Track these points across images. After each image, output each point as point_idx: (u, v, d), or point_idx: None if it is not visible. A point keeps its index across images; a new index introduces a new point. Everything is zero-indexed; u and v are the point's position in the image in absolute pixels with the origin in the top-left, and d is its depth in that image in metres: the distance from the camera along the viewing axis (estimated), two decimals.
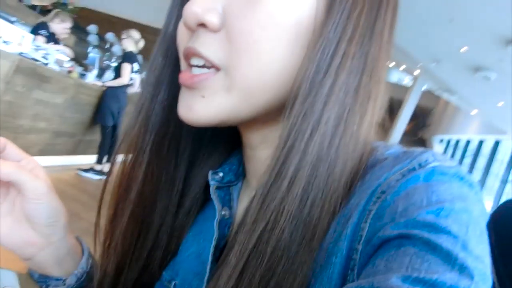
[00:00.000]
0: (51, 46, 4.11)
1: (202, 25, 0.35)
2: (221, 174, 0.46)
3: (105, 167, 4.77)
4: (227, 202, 0.45)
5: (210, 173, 0.46)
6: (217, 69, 0.35)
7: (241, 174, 0.48)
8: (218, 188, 0.45)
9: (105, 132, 4.62)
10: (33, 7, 10.53)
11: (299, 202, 0.31)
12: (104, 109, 4.55)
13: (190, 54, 0.36)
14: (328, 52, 0.32)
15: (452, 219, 0.27)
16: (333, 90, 0.32)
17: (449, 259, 0.25)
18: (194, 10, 0.34)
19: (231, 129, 0.43)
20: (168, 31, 0.43)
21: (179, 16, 0.42)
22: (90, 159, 4.84)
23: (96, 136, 4.75)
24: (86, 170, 4.57)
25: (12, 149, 0.42)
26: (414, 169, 0.31)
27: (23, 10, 7.23)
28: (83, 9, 9.70)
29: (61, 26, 4.53)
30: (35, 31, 4.12)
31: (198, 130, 0.43)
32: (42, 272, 0.46)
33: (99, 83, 4.74)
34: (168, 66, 0.43)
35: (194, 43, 0.35)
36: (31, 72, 3.56)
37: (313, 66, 0.32)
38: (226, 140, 0.50)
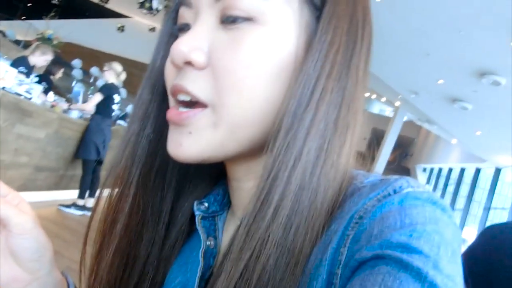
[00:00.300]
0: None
1: (189, 63, 0.37)
2: (206, 204, 0.47)
3: (88, 202, 4.66)
4: (212, 232, 0.45)
5: (195, 203, 0.47)
6: (204, 106, 0.37)
7: (226, 204, 0.49)
8: (203, 218, 0.46)
9: (87, 166, 4.54)
10: (17, 42, 10.58)
11: (284, 230, 0.32)
12: (87, 142, 4.50)
13: (178, 90, 0.38)
14: (309, 87, 0.34)
15: (424, 240, 0.28)
16: (313, 123, 0.34)
17: (420, 277, 0.26)
18: (181, 49, 0.36)
19: (216, 162, 0.44)
20: (155, 67, 0.45)
21: (165, 53, 0.44)
22: (72, 194, 4.74)
23: (78, 170, 4.67)
24: (68, 206, 4.46)
25: None
26: (389, 194, 0.32)
27: (7, 45, 7.25)
28: (68, 44, 9.77)
29: (42, 58, 4.54)
30: (14, 65, 4.11)
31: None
32: None
33: (80, 118, 4.71)
34: (155, 100, 0.45)
35: (181, 80, 0.37)
36: (13, 106, 3.53)
37: (295, 101, 0.34)
38: (211, 171, 0.51)
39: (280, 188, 0.33)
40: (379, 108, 20.87)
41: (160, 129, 0.45)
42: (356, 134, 0.38)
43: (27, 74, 4.20)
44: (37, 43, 4.85)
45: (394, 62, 6.87)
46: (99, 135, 4.52)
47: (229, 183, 0.46)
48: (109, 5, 13.01)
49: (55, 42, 7.67)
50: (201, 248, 0.44)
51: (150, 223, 0.47)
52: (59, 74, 5.36)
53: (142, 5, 8.53)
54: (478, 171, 13.63)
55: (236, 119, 0.36)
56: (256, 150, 0.39)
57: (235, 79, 0.35)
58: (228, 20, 0.36)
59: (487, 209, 12.23)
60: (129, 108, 7.31)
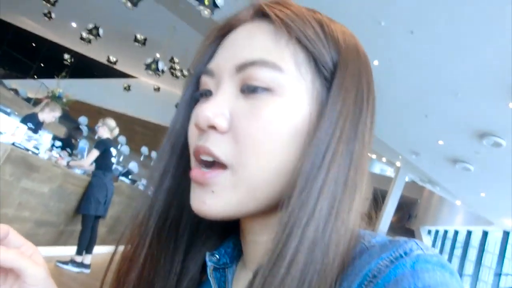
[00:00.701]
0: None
1: (212, 127, 0.40)
2: (217, 256, 0.49)
3: (85, 259, 4.54)
4: (223, 284, 0.47)
5: (207, 254, 0.49)
6: (224, 167, 0.40)
7: (235, 257, 0.51)
8: (214, 269, 0.48)
9: (87, 221, 4.49)
10: (28, 100, 10.94)
11: (297, 283, 0.34)
12: (89, 197, 4.49)
13: (201, 152, 0.41)
14: (321, 150, 0.38)
15: None
16: (325, 183, 0.37)
17: None
18: (206, 114, 0.40)
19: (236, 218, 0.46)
20: (175, 127, 0.49)
21: (186, 115, 0.48)
22: (70, 250, 4.63)
23: (78, 226, 4.60)
24: (65, 262, 4.34)
25: (13, 235, 0.44)
26: (401, 256, 0.34)
27: (19, 103, 7.50)
28: (75, 102, 10.10)
29: (51, 115, 4.77)
30: (23, 121, 4.25)
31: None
32: None
33: (84, 173, 4.74)
34: (174, 158, 0.48)
35: (205, 142, 0.41)
36: (21, 161, 3.58)
37: (308, 163, 0.38)
38: (223, 224, 0.52)
39: (294, 243, 0.35)
40: (380, 168, 20.92)
41: (177, 184, 0.48)
42: (362, 193, 0.41)
43: (35, 130, 4.31)
44: (47, 100, 5.05)
45: (394, 123, 7.00)
46: (101, 190, 4.52)
47: (243, 236, 0.48)
48: (117, 66, 13.60)
49: (64, 100, 7.94)
50: None
51: (162, 273, 0.49)
52: (81, 138, 5.57)
53: (148, 67, 8.92)
54: (485, 234, 13.30)
55: (255, 180, 0.40)
56: (272, 206, 0.42)
57: (255, 143, 0.39)
58: (248, 90, 0.41)
59: (498, 274, 11.76)
60: (131, 165, 7.35)
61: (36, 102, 10.56)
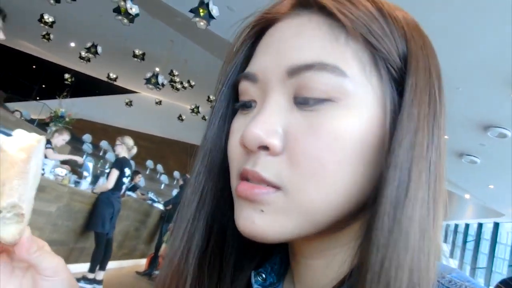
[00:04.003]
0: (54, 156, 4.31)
1: (264, 147, 0.34)
2: (263, 276, 0.43)
3: (98, 275, 4.54)
4: None
5: (252, 274, 0.43)
6: (277, 188, 0.34)
7: (282, 274, 0.45)
8: None
9: (101, 238, 4.50)
10: (31, 121, 11.02)
11: None
12: (97, 215, 4.49)
13: (250, 177, 0.35)
14: (404, 170, 0.31)
15: None
16: (415, 208, 0.31)
17: None
18: (256, 133, 0.33)
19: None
20: (210, 147, 0.42)
21: (221, 131, 0.42)
22: (81, 268, 4.63)
23: (87, 243, 4.60)
24: (77, 280, 4.32)
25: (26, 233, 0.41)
26: None
27: (23, 125, 7.55)
28: (79, 120, 10.17)
29: (60, 138, 4.99)
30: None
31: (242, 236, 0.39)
32: None
33: (90, 190, 4.76)
34: (212, 179, 0.42)
35: (255, 167, 0.34)
36: None
37: (393, 186, 0.31)
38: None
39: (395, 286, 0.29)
40: None
41: (215, 206, 0.42)
42: (443, 213, 0.34)
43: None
44: (56, 128, 5.27)
45: None
46: (109, 207, 4.53)
47: (292, 256, 0.43)
48: (117, 82, 13.70)
49: (67, 119, 7.99)
50: None
51: None
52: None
53: (148, 81, 8.96)
54: (496, 225, 13.17)
55: (316, 205, 0.33)
56: (332, 230, 0.36)
57: (317, 165, 0.32)
58: (305, 102, 0.33)
59: None
60: (137, 179, 7.36)
61: (40, 123, 10.65)
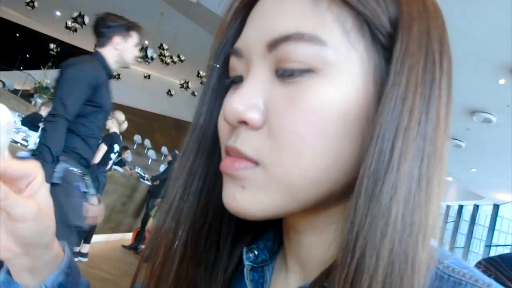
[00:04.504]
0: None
1: (243, 122, 0.33)
2: (256, 252, 0.43)
3: (83, 248, 4.58)
4: (260, 286, 0.41)
5: (244, 250, 0.42)
6: (256, 163, 0.33)
7: (275, 251, 0.44)
8: (252, 269, 0.42)
9: None
10: (15, 92, 10.76)
11: None
12: None
13: (232, 154, 0.34)
14: (387, 143, 0.29)
15: None
16: (397, 185, 0.29)
17: None
18: (235, 107, 0.33)
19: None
20: (200, 122, 0.41)
21: (213, 107, 0.41)
22: None
23: None
24: None
25: (11, 168, 0.37)
26: None
27: (6, 95, 7.36)
28: None
29: (48, 111, 4.76)
30: (25, 122, 4.26)
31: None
32: (11, 276, 0.42)
33: None
34: (202, 155, 0.41)
35: (235, 142, 0.34)
36: (10, 154, 3.52)
37: (374, 160, 0.29)
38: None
39: (371, 264, 0.27)
40: None
41: (209, 184, 0.41)
42: (442, 192, 0.32)
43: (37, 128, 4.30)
44: (43, 101, 5.12)
45: None
46: (94, 182, 4.49)
47: (285, 232, 0.42)
48: None
49: (52, 90, 7.82)
50: None
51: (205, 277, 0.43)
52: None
53: None
54: (476, 207, 13.55)
55: (294, 180, 0.32)
56: (322, 205, 0.35)
57: (295, 138, 0.31)
58: (285, 74, 0.32)
59: (489, 246, 12.05)
60: (125, 155, 7.32)
61: (24, 94, 10.40)
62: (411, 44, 0.31)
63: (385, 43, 0.32)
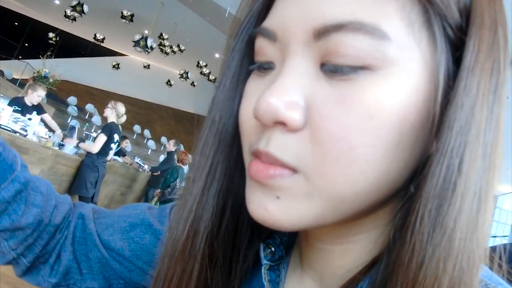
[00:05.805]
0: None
1: (280, 122, 0.28)
2: (272, 249, 0.39)
3: None
4: (276, 285, 0.38)
5: (261, 247, 0.39)
6: (295, 171, 0.28)
7: (291, 246, 0.41)
8: (270, 268, 0.39)
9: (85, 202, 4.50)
10: (14, 81, 10.72)
11: None
12: (81, 179, 4.46)
13: (263, 159, 0.29)
14: (454, 159, 0.26)
15: None
16: (463, 203, 0.25)
17: None
18: (273, 105, 0.27)
19: None
20: (220, 115, 0.36)
21: (233, 96, 0.36)
22: None
23: None
24: None
25: None
26: None
27: (4, 84, 7.34)
28: (64, 82, 9.92)
29: (34, 95, 4.57)
30: (10, 105, 4.21)
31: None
32: None
33: (77, 154, 4.71)
34: (223, 151, 0.36)
35: (268, 147, 0.29)
36: (9, 143, 3.49)
37: (440, 178, 0.26)
38: None
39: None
40: None
41: (229, 182, 0.37)
42: (492, 206, 0.28)
43: (23, 113, 4.23)
44: (29, 83, 4.96)
45: None
46: (93, 172, 4.50)
47: (304, 237, 0.38)
48: (104, 44, 13.31)
49: (51, 80, 7.78)
50: None
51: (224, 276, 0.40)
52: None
53: (137, 44, 8.74)
54: None
55: (341, 192, 0.28)
56: (355, 217, 0.32)
57: (346, 147, 0.26)
58: (336, 70, 0.27)
59: None
60: (124, 145, 7.31)
61: (22, 83, 10.36)
62: (483, 42, 0.27)
63: (454, 40, 0.28)
